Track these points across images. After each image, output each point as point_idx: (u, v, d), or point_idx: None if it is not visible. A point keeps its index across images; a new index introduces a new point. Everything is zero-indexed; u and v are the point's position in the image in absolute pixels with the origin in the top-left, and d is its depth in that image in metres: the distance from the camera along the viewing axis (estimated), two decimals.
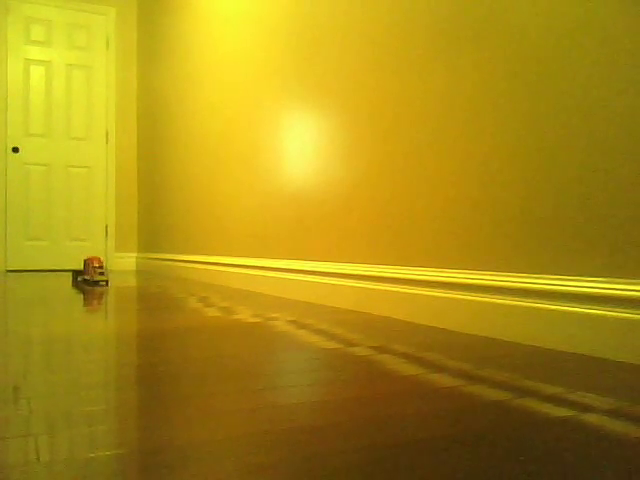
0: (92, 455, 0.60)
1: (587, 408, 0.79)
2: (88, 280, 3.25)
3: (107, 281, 3.21)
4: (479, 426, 0.71)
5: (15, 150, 4.89)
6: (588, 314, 1.16)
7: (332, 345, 1.27)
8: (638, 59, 1.09)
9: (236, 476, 0.55)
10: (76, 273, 3.59)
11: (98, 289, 2.88)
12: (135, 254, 5.41)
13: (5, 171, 4.85)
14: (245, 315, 1.81)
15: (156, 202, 4.77)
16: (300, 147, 2.38)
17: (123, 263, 5.33)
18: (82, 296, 2.49)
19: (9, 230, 4.87)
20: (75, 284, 3.25)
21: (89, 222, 5.17)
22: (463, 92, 1.51)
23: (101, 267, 3.17)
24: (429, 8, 1.63)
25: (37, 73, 4.99)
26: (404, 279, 1.72)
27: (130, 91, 5.37)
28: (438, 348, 1.24)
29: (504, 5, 1.38)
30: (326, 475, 0.55)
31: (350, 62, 2.02)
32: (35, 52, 4.98)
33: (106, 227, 5.24)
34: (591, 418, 0.74)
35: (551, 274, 1.27)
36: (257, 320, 1.69)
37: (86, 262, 3.31)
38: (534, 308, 1.28)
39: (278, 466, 0.57)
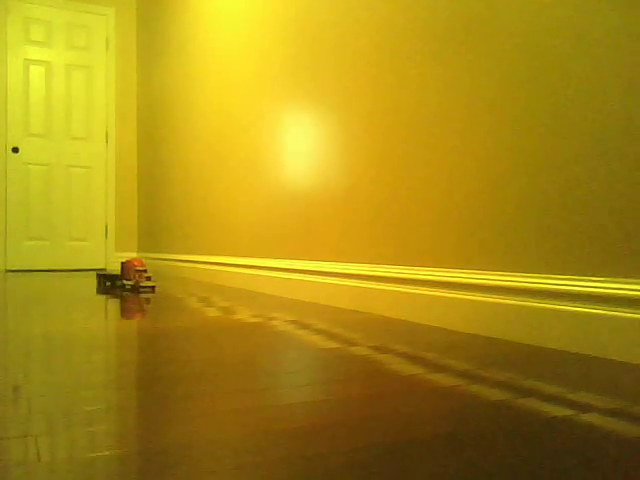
0: (92, 455, 0.60)
1: (587, 408, 0.79)
2: (125, 285, 2.78)
3: (154, 287, 2.70)
4: (479, 426, 0.71)
5: (15, 150, 4.88)
6: (588, 314, 1.16)
7: (332, 345, 1.27)
8: (634, 59, 1.09)
9: (236, 476, 0.55)
10: (102, 277, 3.06)
11: (130, 296, 2.44)
12: (135, 254, 5.41)
13: (5, 171, 4.85)
14: (245, 315, 1.81)
15: (156, 202, 4.76)
16: (300, 146, 2.38)
17: None
18: (119, 304, 2.48)
19: (9, 230, 4.87)
20: (103, 290, 2.77)
21: (89, 222, 5.17)
22: (460, 91, 1.51)
23: (146, 270, 2.69)
24: (426, 10, 1.63)
25: (37, 73, 4.99)
26: (404, 279, 1.72)
27: (130, 91, 5.37)
28: (438, 348, 1.24)
29: (500, 5, 1.38)
30: (326, 475, 0.55)
31: (349, 62, 2.02)
32: (35, 52, 4.98)
33: (106, 227, 5.24)
34: (591, 418, 0.74)
35: (551, 274, 1.27)
36: (257, 320, 1.69)
37: (125, 266, 2.79)
38: (534, 308, 1.28)
39: (278, 466, 0.57)
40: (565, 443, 0.65)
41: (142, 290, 2.68)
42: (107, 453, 0.60)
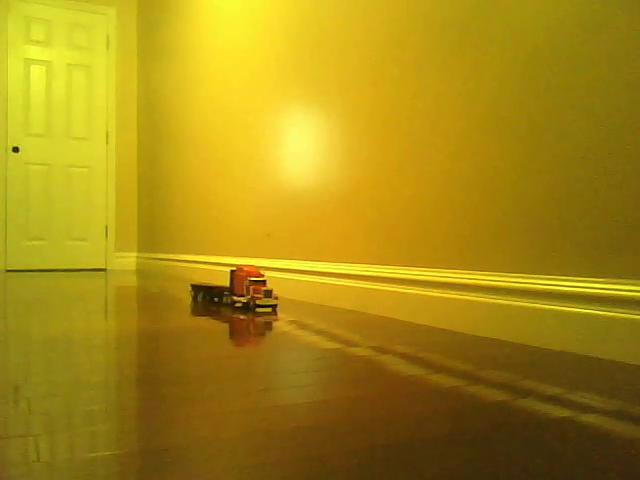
0: (92, 455, 0.60)
1: (587, 408, 0.79)
2: (235, 303, 2.04)
3: (275, 307, 1.95)
4: (479, 426, 0.71)
5: (15, 150, 4.88)
6: (588, 314, 1.16)
7: (332, 345, 1.27)
8: (637, 56, 1.09)
9: (236, 476, 0.55)
10: (197, 289, 2.28)
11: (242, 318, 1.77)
12: (135, 254, 5.41)
13: (5, 171, 4.85)
14: (245, 315, 1.81)
15: (156, 202, 4.76)
16: (300, 147, 2.38)
17: (123, 263, 5.33)
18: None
19: (9, 230, 4.87)
20: (201, 304, 2.13)
21: (89, 222, 5.17)
22: (459, 92, 1.51)
23: (265, 282, 1.96)
24: (426, 11, 1.63)
25: (37, 73, 4.99)
26: (404, 279, 1.72)
27: (130, 91, 5.37)
28: (438, 348, 1.24)
29: (499, 5, 1.38)
30: (326, 475, 0.55)
31: (349, 63, 2.02)
32: (35, 52, 4.98)
33: (106, 227, 5.24)
34: (591, 418, 0.74)
35: (551, 274, 1.27)
36: (257, 320, 1.69)
37: (235, 275, 2.03)
38: (534, 308, 1.28)
39: (278, 466, 0.58)
40: (565, 443, 0.65)
41: (259, 310, 1.92)
42: (107, 453, 0.60)
